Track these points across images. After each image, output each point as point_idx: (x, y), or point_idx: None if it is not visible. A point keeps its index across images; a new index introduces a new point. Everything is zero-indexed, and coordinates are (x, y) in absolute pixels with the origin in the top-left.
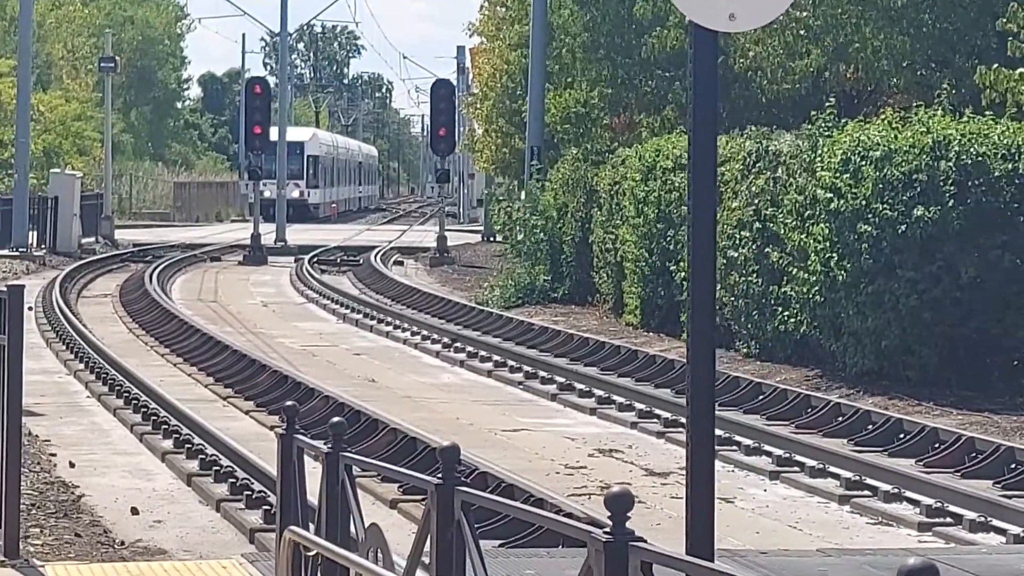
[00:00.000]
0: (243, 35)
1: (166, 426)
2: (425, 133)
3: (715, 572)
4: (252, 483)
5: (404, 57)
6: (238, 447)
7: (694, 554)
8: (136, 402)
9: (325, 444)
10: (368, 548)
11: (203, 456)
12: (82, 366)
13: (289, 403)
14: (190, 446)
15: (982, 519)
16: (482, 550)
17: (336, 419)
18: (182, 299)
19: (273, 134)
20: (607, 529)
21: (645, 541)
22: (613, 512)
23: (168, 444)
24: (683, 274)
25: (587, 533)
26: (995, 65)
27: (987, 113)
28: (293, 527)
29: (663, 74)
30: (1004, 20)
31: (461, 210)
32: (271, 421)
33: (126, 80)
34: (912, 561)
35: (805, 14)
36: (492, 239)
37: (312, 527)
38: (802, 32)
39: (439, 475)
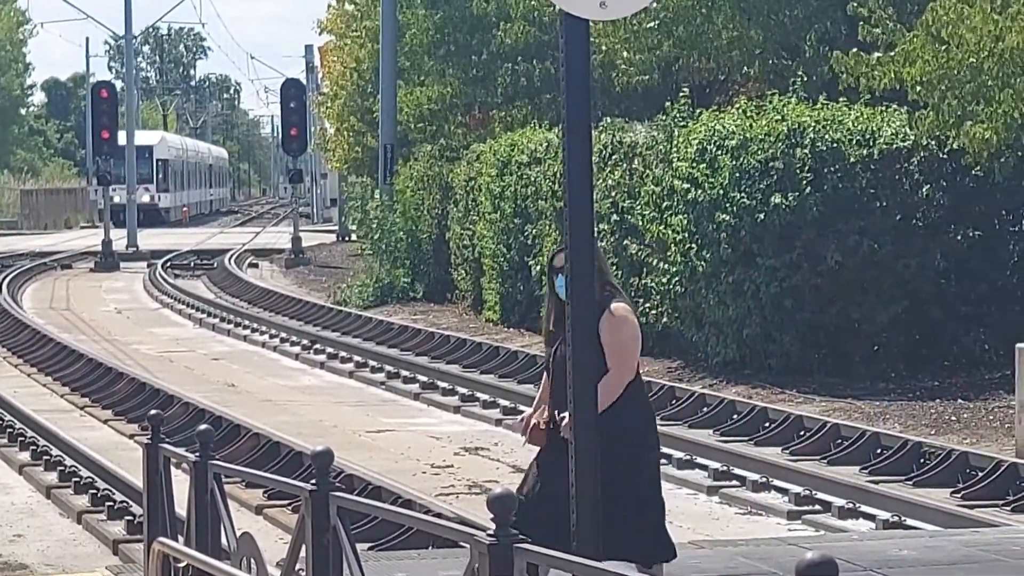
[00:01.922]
0: (87, 39)
1: (23, 438)
2: (276, 134)
3: (600, 572)
4: (114, 494)
5: (252, 57)
6: (98, 457)
7: (580, 554)
8: None
9: (192, 453)
10: (241, 557)
11: (62, 468)
12: None
13: (153, 412)
14: (48, 458)
15: (851, 506)
16: (359, 555)
17: (203, 427)
18: (34, 308)
19: (121, 138)
20: (491, 531)
21: (529, 542)
22: (496, 514)
23: (25, 456)
24: (540, 268)
25: (471, 536)
26: (853, 51)
27: (841, 99)
28: (162, 538)
29: (513, 68)
30: (855, 5)
31: (315, 210)
32: (130, 430)
33: None
34: (810, 555)
35: (656, 6)
36: (347, 239)
37: (181, 538)
38: (652, 24)
39: (312, 481)
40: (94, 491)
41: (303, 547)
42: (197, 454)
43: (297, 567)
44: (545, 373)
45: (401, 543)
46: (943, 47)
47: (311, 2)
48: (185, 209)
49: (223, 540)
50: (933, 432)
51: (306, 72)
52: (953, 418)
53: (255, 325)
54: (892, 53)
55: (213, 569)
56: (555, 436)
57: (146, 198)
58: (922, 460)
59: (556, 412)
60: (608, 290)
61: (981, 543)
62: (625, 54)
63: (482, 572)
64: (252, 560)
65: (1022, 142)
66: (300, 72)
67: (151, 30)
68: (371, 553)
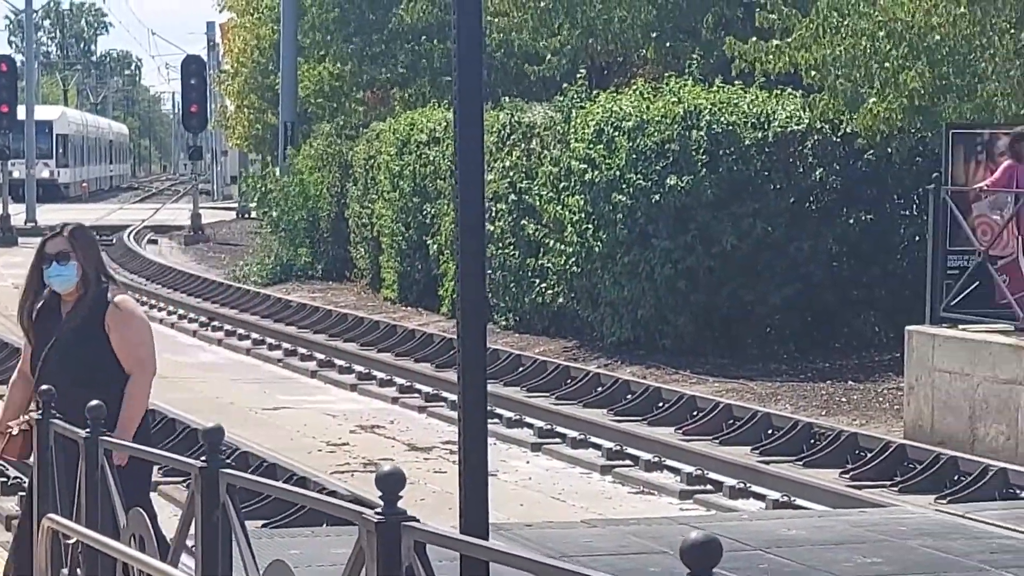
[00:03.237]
0: None
1: None
2: (177, 110)
3: (489, 551)
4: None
5: (153, 33)
6: None
7: (468, 532)
8: None
9: (83, 429)
10: (131, 534)
11: None
12: None
13: (44, 387)
14: None
15: (741, 485)
16: (248, 533)
17: (94, 402)
18: None
19: (21, 113)
20: (379, 509)
21: (418, 520)
22: (384, 491)
23: None
24: (438, 247)
25: (358, 514)
26: (752, 40)
27: (736, 82)
28: (51, 515)
29: (414, 47)
30: None
31: (215, 187)
32: None
33: None
34: (694, 535)
35: None
36: (247, 216)
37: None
38: (549, 6)
39: (203, 458)
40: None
41: (193, 524)
42: (88, 431)
43: (188, 544)
44: (19, 375)
45: (296, 521)
46: (837, 33)
47: None
48: (84, 184)
49: (115, 516)
50: (824, 413)
51: (208, 49)
52: (844, 400)
53: (153, 302)
54: (789, 40)
55: (101, 545)
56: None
57: (45, 173)
58: (812, 441)
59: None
60: (105, 281)
61: (868, 523)
62: (525, 34)
63: (370, 550)
64: (143, 537)
65: (916, 124)
66: (202, 49)
67: (52, 4)
68: (265, 531)
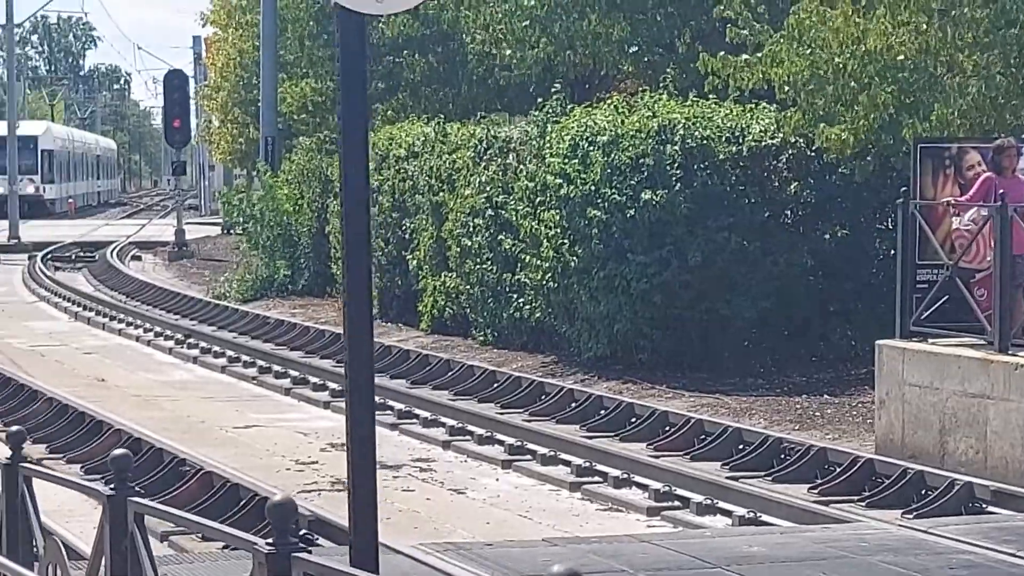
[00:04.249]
0: None
1: None
2: None
3: None
4: None
5: (139, 48)
6: None
7: (359, 564)
8: None
9: (6, 455)
10: (47, 563)
11: None
12: None
13: None
14: None
15: (709, 501)
16: (155, 560)
17: (14, 428)
18: None
19: (2, 128)
20: (269, 540)
21: (309, 552)
22: (275, 521)
23: None
24: (417, 263)
25: (251, 544)
26: (721, 54)
27: (711, 97)
28: None
29: (393, 60)
30: (721, 8)
31: (203, 202)
32: None
33: None
34: (556, 568)
35: (532, 3)
36: (232, 231)
37: None
38: (527, 23)
39: (111, 485)
40: None
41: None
42: (8, 456)
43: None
44: None
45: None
46: (807, 49)
47: None
48: (71, 201)
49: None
50: (797, 428)
51: (194, 63)
52: (817, 414)
53: (131, 319)
54: (759, 55)
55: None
56: None
57: (31, 189)
58: (782, 456)
59: None
60: None
61: (831, 539)
62: (508, 51)
63: None
64: (58, 567)
65: (881, 144)
66: (188, 63)
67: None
68: (172, 556)
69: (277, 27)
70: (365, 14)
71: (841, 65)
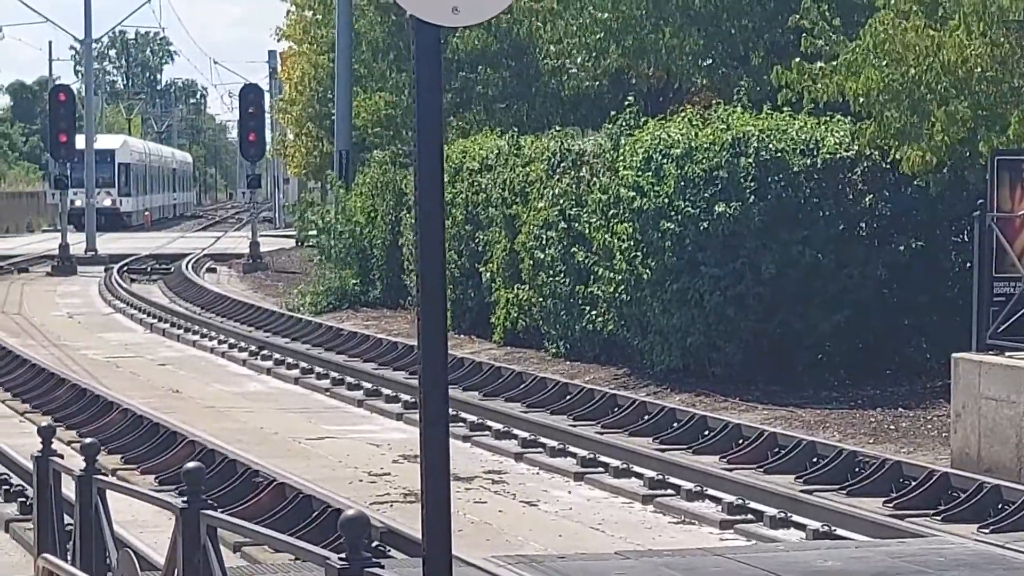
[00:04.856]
0: (49, 42)
1: None
2: None
3: None
4: (11, 477)
5: (215, 62)
6: (28, 464)
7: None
8: None
9: (80, 467)
10: (120, 575)
11: None
12: None
13: (44, 425)
14: None
15: (782, 515)
16: (227, 572)
17: (89, 440)
18: None
19: (81, 142)
20: (342, 555)
21: (382, 567)
22: (348, 536)
23: None
24: (491, 275)
25: (323, 558)
26: (795, 60)
27: (786, 109)
28: (46, 554)
29: (467, 75)
30: (797, 17)
31: (277, 215)
32: (68, 436)
33: None
34: None
35: (606, 15)
36: (305, 244)
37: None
38: (600, 35)
39: (184, 498)
40: (23, 499)
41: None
42: (82, 468)
43: None
44: None
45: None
46: (883, 61)
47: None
48: (147, 213)
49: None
50: (872, 441)
51: (269, 78)
52: (892, 427)
53: (205, 330)
54: (834, 64)
55: None
56: None
57: (108, 202)
58: (857, 469)
59: None
60: None
61: (906, 554)
62: (579, 59)
63: None
64: None
65: (957, 157)
66: (264, 78)
67: (118, 34)
68: (243, 567)
69: (352, 41)
70: (441, 26)
71: (916, 78)
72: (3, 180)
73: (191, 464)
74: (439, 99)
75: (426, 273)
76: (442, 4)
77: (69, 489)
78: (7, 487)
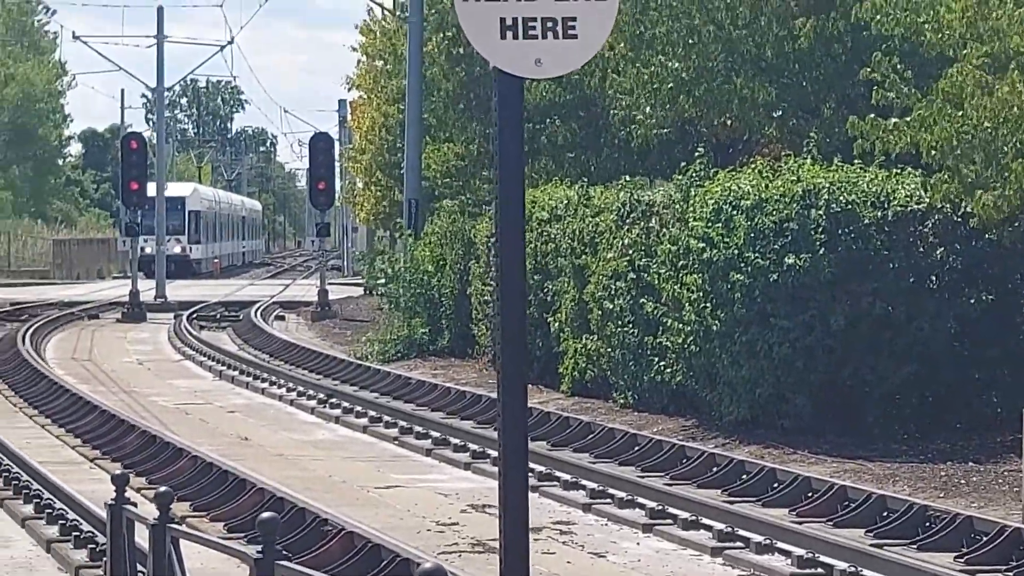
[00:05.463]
0: (122, 91)
1: (28, 490)
2: None
3: None
4: (81, 523)
5: (285, 111)
6: (99, 511)
7: None
8: None
9: (153, 514)
10: None
11: (64, 521)
12: None
13: (118, 472)
14: (51, 511)
15: (852, 569)
16: None
17: (162, 489)
18: (56, 358)
19: (151, 190)
20: None
21: None
22: None
23: (29, 509)
24: (559, 325)
25: None
26: (870, 116)
27: (856, 161)
28: None
29: (533, 127)
30: (868, 70)
31: (345, 263)
32: (138, 483)
33: (5, 137)
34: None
35: (677, 65)
36: (374, 292)
37: None
38: (671, 84)
39: (259, 548)
40: (93, 545)
41: None
42: (156, 516)
43: None
44: None
45: None
46: (959, 112)
47: (346, 56)
48: (216, 261)
49: None
50: (942, 495)
51: (339, 126)
52: (963, 481)
53: (274, 378)
54: (908, 119)
55: None
56: None
57: (177, 249)
58: (927, 524)
59: None
60: None
61: None
62: (648, 109)
63: None
64: None
65: None
66: (333, 126)
67: (189, 83)
68: None
69: (422, 91)
70: (523, 78)
71: (991, 131)
72: (75, 227)
73: (266, 514)
74: (521, 149)
75: (506, 321)
76: (525, 56)
77: (141, 537)
78: (77, 533)
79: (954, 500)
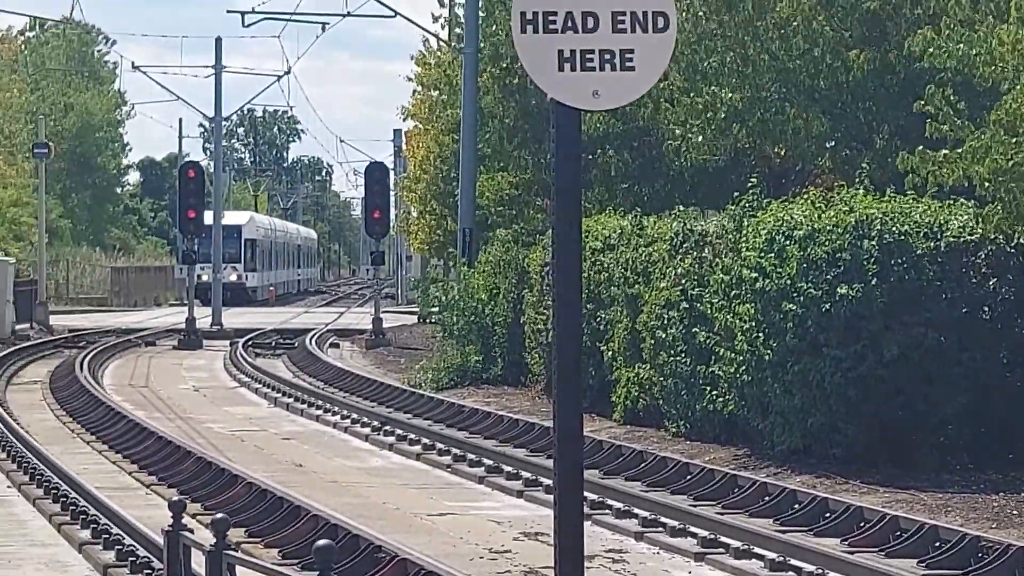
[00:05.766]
0: (180, 120)
1: (85, 516)
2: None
3: None
4: (146, 556)
5: (341, 141)
6: (155, 537)
7: None
8: (56, 491)
9: (211, 541)
10: None
11: (120, 547)
12: (4, 455)
13: (175, 499)
14: (108, 536)
15: None
16: None
17: (220, 515)
18: (113, 385)
19: (208, 218)
20: None
21: None
22: None
23: (86, 534)
24: (612, 354)
25: None
26: (919, 148)
27: (909, 192)
28: None
29: (586, 156)
30: (922, 103)
31: (400, 291)
32: (194, 509)
33: (65, 166)
34: None
35: (732, 95)
36: (428, 320)
37: None
38: (724, 114)
39: (315, 575)
40: (148, 571)
41: None
42: (213, 543)
43: None
44: None
45: None
46: (1013, 140)
47: (402, 86)
48: (272, 289)
49: None
50: (995, 526)
51: (394, 156)
52: (1015, 512)
53: (328, 405)
54: (959, 151)
55: None
56: None
57: (233, 277)
58: (980, 554)
59: None
60: None
61: None
62: (700, 138)
63: None
64: None
65: None
66: (388, 156)
67: (246, 113)
68: None
69: (477, 121)
70: (581, 110)
71: None
72: (132, 254)
73: (322, 541)
74: (578, 181)
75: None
76: (583, 89)
77: (197, 563)
78: (134, 559)
79: (1007, 531)
